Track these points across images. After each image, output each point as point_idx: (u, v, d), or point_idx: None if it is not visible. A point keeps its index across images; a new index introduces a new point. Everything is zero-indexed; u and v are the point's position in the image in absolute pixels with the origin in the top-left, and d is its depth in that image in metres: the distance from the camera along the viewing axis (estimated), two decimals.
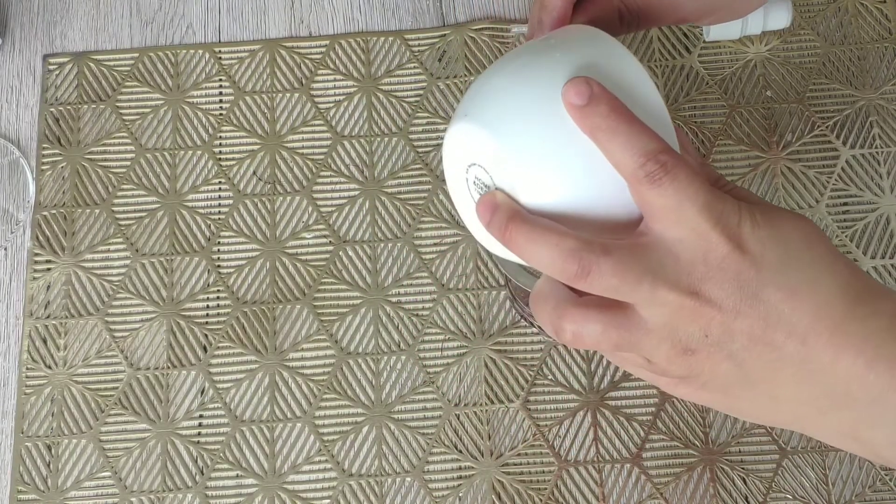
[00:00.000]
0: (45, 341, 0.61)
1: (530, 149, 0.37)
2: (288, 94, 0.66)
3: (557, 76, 0.37)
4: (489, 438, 0.58)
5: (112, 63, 0.67)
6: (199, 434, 0.59)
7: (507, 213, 0.37)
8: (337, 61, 0.67)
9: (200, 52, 0.67)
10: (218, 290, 0.62)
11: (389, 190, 0.64)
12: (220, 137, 0.65)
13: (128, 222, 0.63)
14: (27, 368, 0.60)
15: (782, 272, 0.35)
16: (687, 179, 0.35)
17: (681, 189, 0.35)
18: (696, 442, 0.58)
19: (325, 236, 0.63)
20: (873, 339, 0.35)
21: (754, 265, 0.35)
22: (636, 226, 0.37)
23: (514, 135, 0.38)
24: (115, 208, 0.64)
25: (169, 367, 0.60)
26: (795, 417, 0.38)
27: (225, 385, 0.60)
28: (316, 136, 0.65)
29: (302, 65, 0.67)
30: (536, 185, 0.38)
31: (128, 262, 0.62)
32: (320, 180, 0.64)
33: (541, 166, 0.37)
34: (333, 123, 0.65)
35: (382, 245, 0.62)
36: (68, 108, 0.66)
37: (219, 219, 0.63)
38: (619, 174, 0.36)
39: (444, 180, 0.63)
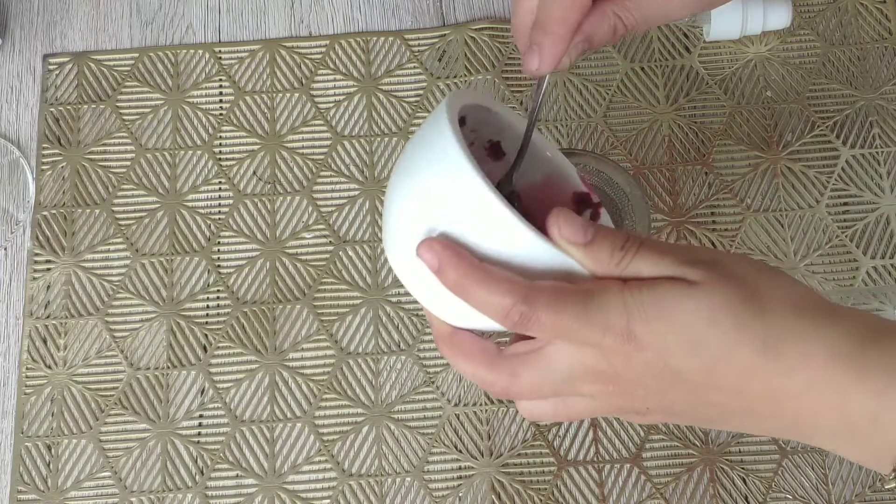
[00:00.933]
0: (45, 341, 0.61)
1: (422, 286, 0.39)
2: (288, 94, 0.66)
3: (415, 226, 0.38)
4: (489, 438, 0.58)
5: (112, 63, 0.67)
6: (199, 434, 0.59)
7: (436, 335, 0.41)
8: (337, 61, 0.67)
9: (200, 52, 0.67)
10: (218, 290, 0.62)
11: None
12: (220, 137, 0.65)
13: (128, 222, 0.63)
14: (27, 368, 0.60)
15: (690, 355, 0.35)
16: (552, 316, 0.35)
17: (549, 325, 0.36)
18: (696, 442, 0.58)
19: (325, 236, 0.63)
20: (812, 388, 0.35)
21: (658, 356, 0.35)
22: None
23: (404, 273, 0.40)
24: (115, 208, 0.64)
25: (169, 367, 0.60)
26: (764, 435, 0.40)
27: (225, 385, 0.60)
28: (316, 136, 0.65)
29: (302, 65, 0.67)
30: (441, 313, 0.40)
31: (128, 262, 0.62)
32: (320, 180, 0.64)
33: (438, 301, 0.39)
34: (333, 123, 0.65)
35: (382, 245, 0.62)
36: (68, 108, 0.66)
37: (219, 219, 0.63)
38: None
39: None
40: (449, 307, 0.39)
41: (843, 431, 0.35)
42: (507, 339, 0.41)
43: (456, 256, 0.36)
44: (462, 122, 0.40)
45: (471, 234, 0.37)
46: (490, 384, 0.38)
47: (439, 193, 0.37)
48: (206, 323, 0.61)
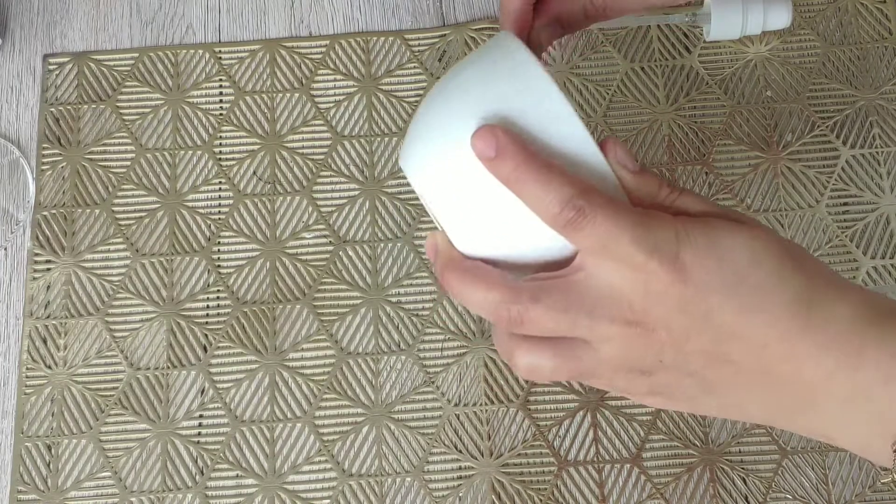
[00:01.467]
0: (45, 341, 0.61)
1: (452, 198, 0.37)
2: (288, 94, 0.66)
3: (469, 122, 0.36)
4: (489, 438, 0.58)
5: (112, 63, 0.67)
6: (199, 434, 0.59)
7: (443, 261, 0.38)
8: (337, 61, 0.67)
9: (200, 52, 0.67)
10: (218, 290, 0.62)
11: (389, 190, 0.64)
12: (220, 137, 0.65)
13: (128, 222, 0.63)
14: (27, 368, 0.60)
15: (729, 294, 0.35)
16: (608, 220, 0.34)
17: (603, 230, 0.34)
18: (696, 442, 0.58)
19: (325, 236, 0.63)
20: (832, 347, 0.35)
21: (699, 291, 0.34)
22: (573, 256, 0.37)
23: (434, 184, 0.37)
24: (115, 208, 0.64)
25: (169, 367, 0.60)
26: (766, 420, 0.38)
27: (225, 385, 0.60)
28: (316, 136, 0.65)
29: (302, 65, 0.67)
30: (463, 233, 0.37)
31: (128, 262, 0.62)
32: (320, 180, 0.64)
33: (464, 215, 0.37)
34: (333, 123, 0.65)
35: (382, 245, 0.62)
36: (68, 108, 0.66)
37: (219, 219, 0.63)
38: (542, 220, 0.36)
39: None
40: (474, 223, 0.37)
41: (854, 398, 0.34)
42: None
43: (516, 143, 0.35)
44: None
45: (525, 132, 0.35)
46: (505, 308, 0.36)
47: (498, 88, 0.36)
48: (206, 323, 0.61)
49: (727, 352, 0.35)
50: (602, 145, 0.36)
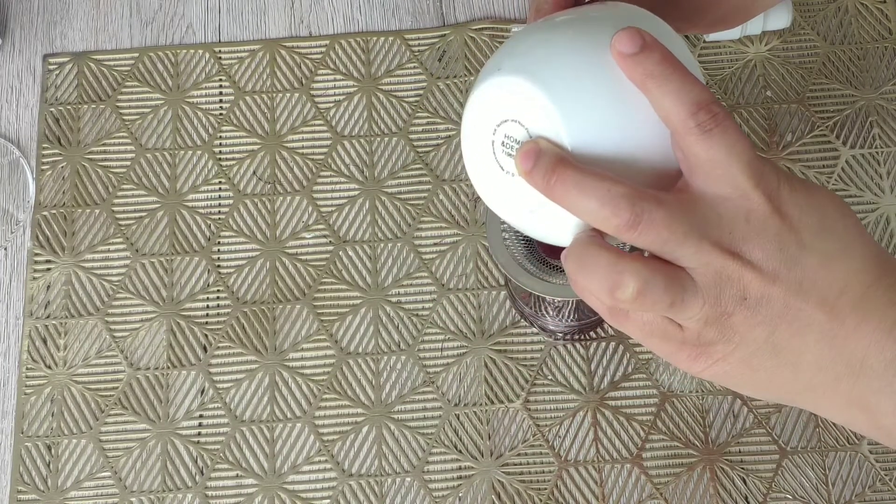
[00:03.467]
0: (45, 341, 0.61)
1: (576, 95, 0.36)
2: (288, 94, 0.66)
3: (604, 29, 0.37)
4: (489, 438, 0.58)
5: (112, 63, 0.67)
6: (199, 434, 0.59)
7: (553, 158, 0.36)
8: (337, 61, 0.67)
9: (200, 52, 0.67)
10: (218, 290, 0.62)
11: (389, 190, 0.64)
12: (220, 137, 0.65)
13: (128, 222, 0.63)
14: (27, 368, 0.60)
15: (819, 238, 0.35)
16: (736, 133, 0.35)
17: (729, 143, 0.35)
18: (696, 442, 0.58)
19: (325, 236, 0.63)
20: (889, 313, 0.35)
21: (793, 229, 0.35)
22: (675, 181, 0.37)
23: (560, 81, 0.36)
24: (115, 208, 0.64)
25: (169, 367, 0.60)
26: (810, 386, 0.37)
27: (225, 385, 0.60)
28: (316, 136, 0.65)
29: (302, 65, 0.67)
30: (582, 132, 0.36)
31: (128, 262, 0.62)
32: (320, 180, 0.64)
33: (587, 114, 0.36)
34: (333, 123, 0.65)
35: (382, 245, 0.62)
36: (68, 108, 0.66)
37: (219, 219, 0.63)
38: (668, 124, 0.36)
39: (448, 174, 0.63)
40: (595, 117, 0.37)
41: (893, 367, 0.35)
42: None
43: (658, 41, 0.35)
44: None
45: None
46: (627, 205, 0.34)
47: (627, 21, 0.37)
48: (206, 323, 0.61)
49: (804, 304, 0.36)
50: None
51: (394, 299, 0.61)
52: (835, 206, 0.37)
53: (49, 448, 0.59)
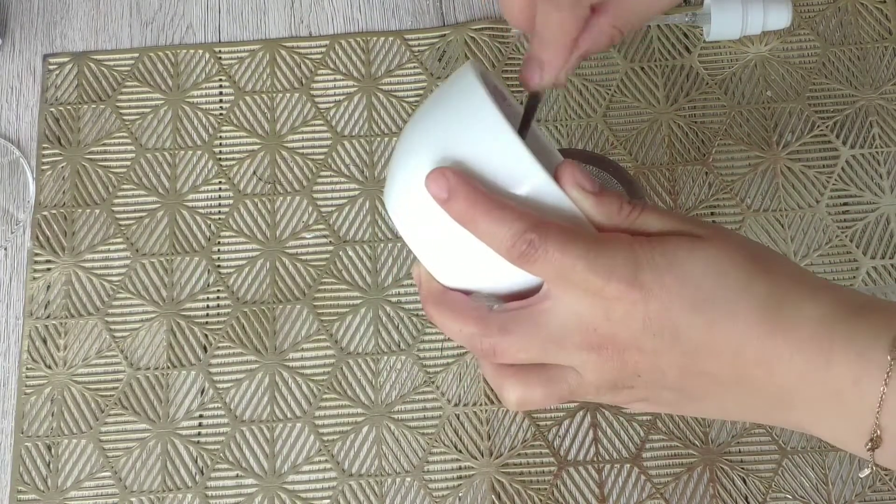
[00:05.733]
0: (45, 341, 0.61)
1: (423, 236, 0.39)
2: (288, 94, 0.66)
3: (429, 164, 0.38)
4: (489, 438, 0.58)
5: (112, 63, 0.67)
6: (199, 434, 0.59)
7: (424, 293, 0.39)
8: (337, 61, 0.67)
9: (200, 52, 0.67)
10: (218, 290, 0.62)
11: None
12: (220, 137, 0.65)
13: (128, 222, 0.63)
14: (27, 368, 0.60)
15: (695, 311, 0.35)
16: (559, 250, 0.35)
17: (556, 260, 0.35)
18: (696, 442, 0.58)
19: (325, 236, 0.63)
20: (802, 348, 0.35)
21: (662, 310, 0.35)
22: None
23: (407, 223, 0.39)
24: (115, 208, 0.64)
25: (169, 367, 0.60)
26: (746, 418, 0.39)
27: (225, 385, 0.60)
28: (316, 136, 0.65)
29: (302, 65, 0.67)
30: (437, 267, 0.39)
31: (128, 262, 0.62)
32: (320, 180, 0.64)
33: (436, 251, 0.39)
34: (333, 123, 0.65)
35: (382, 245, 0.62)
36: (68, 108, 0.66)
37: (219, 219, 0.63)
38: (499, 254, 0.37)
39: None
40: (446, 258, 0.38)
41: (826, 397, 0.35)
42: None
43: (466, 184, 0.36)
44: None
45: (480, 173, 0.37)
46: (478, 341, 0.37)
47: (454, 129, 0.37)
48: (206, 323, 0.61)
49: (701, 365, 0.36)
50: (557, 171, 0.37)
51: (394, 299, 0.61)
52: (711, 269, 0.35)
53: (49, 448, 0.59)
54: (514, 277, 0.38)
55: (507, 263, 0.37)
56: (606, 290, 0.35)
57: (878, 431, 0.34)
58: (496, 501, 0.57)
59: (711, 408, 0.38)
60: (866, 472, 0.36)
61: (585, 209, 0.37)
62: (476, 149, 0.37)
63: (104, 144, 0.65)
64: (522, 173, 0.37)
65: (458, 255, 0.38)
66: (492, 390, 0.59)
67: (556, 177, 0.37)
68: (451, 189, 0.36)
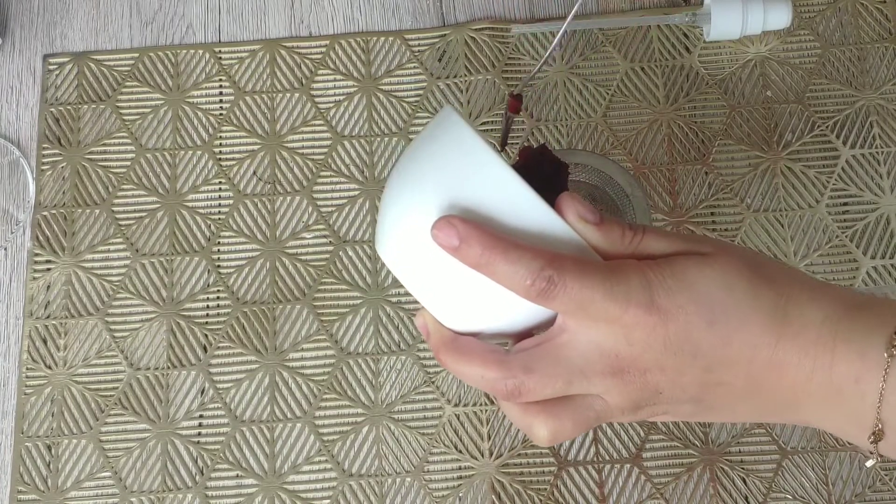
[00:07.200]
0: (45, 341, 0.61)
1: (431, 284, 0.38)
2: (288, 94, 0.66)
3: (431, 213, 0.37)
4: (489, 438, 0.58)
5: (112, 63, 0.67)
6: (199, 434, 0.59)
7: (435, 341, 0.39)
8: (337, 61, 0.67)
9: (200, 52, 0.67)
10: (218, 290, 0.62)
11: None
12: (220, 137, 0.65)
13: (128, 222, 0.63)
14: (27, 368, 0.60)
15: (709, 327, 0.36)
16: (577, 282, 0.35)
17: (575, 293, 0.35)
18: (696, 442, 0.58)
19: (325, 236, 0.63)
20: (809, 350, 0.36)
21: (680, 330, 0.36)
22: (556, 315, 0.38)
23: (412, 274, 0.38)
24: (115, 208, 0.64)
25: (169, 367, 0.60)
26: (757, 419, 0.40)
27: (225, 385, 0.60)
28: (316, 136, 0.65)
29: (302, 65, 0.67)
30: (447, 314, 0.39)
31: (128, 262, 0.62)
32: (320, 180, 0.64)
33: (445, 299, 0.38)
34: (333, 123, 0.65)
35: (375, 247, 0.62)
36: (68, 108, 0.66)
37: (219, 219, 0.63)
38: (517, 294, 0.37)
39: None
40: (455, 303, 0.38)
41: (831, 396, 0.36)
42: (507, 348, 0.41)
43: (477, 229, 0.36)
44: None
45: (482, 215, 0.36)
46: (501, 384, 0.37)
47: (450, 176, 0.37)
48: (206, 323, 0.61)
49: (719, 377, 0.37)
50: (558, 205, 0.37)
51: (394, 299, 0.61)
52: (720, 284, 0.36)
53: (49, 448, 0.59)
54: (526, 314, 0.38)
55: (519, 301, 0.37)
56: (625, 318, 0.36)
57: (880, 425, 0.36)
58: (496, 501, 0.57)
59: (725, 413, 0.39)
60: (871, 462, 0.38)
61: (590, 239, 0.37)
62: (475, 192, 0.37)
63: (104, 144, 0.65)
64: (526, 211, 0.37)
65: (468, 299, 0.38)
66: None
67: (558, 208, 0.37)
68: (461, 236, 0.36)
